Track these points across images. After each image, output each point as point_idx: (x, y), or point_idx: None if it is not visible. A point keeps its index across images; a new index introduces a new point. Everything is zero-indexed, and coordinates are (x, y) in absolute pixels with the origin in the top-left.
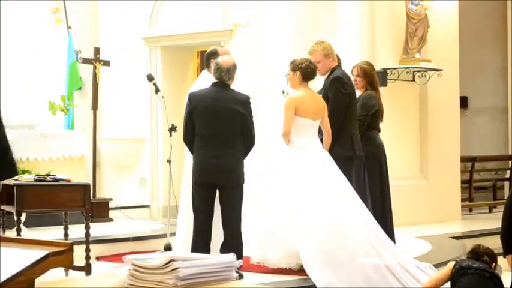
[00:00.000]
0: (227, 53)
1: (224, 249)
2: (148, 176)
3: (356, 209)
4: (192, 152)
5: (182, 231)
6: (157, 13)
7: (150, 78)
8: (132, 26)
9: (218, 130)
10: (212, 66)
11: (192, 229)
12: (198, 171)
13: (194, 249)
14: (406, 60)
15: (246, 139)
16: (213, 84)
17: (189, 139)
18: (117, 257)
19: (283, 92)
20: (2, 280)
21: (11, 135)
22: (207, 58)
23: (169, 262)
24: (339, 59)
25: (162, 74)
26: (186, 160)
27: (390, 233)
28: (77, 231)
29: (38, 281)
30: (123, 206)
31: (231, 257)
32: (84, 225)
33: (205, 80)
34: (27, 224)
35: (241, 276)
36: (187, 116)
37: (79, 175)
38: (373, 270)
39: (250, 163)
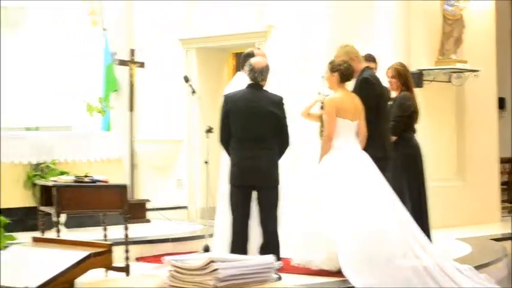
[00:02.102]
0: (263, 55)
1: (262, 250)
2: (185, 177)
3: (394, 210)
4: (228, 153)
5: (220, 232)
6: (192, 14)
7: (187, 79)
8: (167, 27)
9: (253, 131)
10: (245, 68)
11: (229, 230)
12: (235, 173)
13: (232, 250)
14: (442, 62)
15: (280, 140)
16: (248, 86)
17: (225, 140)
18: (156, 258)
19: (319, 94)
20: (44, 281)
21: (49, 137)
22: (243, 60)
23: (208, 263)
24: (375, 60)
25: (198, 75)
26: (223, 161)
27: (427, 234)
28: (115, 232)
29: (78, 281)
30: (160, 207)
31: (270, 258)
32: (122, 226)
33: (241, 82)
34: (67, 225)
35: (279, 278)
36: (222, 117)
37: (116, 176)
38: (411, 271)
39: (287, 164)
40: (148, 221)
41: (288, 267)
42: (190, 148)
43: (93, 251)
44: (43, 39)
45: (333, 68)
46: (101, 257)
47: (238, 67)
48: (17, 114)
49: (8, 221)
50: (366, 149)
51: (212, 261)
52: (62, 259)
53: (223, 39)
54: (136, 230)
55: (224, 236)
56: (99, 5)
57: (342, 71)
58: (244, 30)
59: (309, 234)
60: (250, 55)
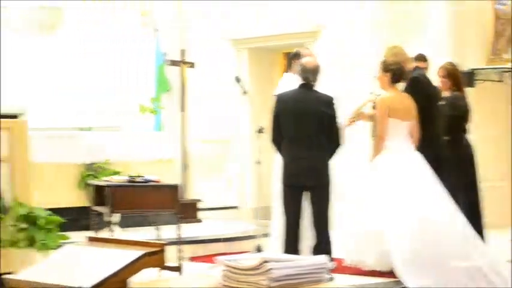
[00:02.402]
0: (311, 54)
1: (315, 250)
2: (236, 177)
3: (447, 210)
4: (280, 153)
5: (277, 232)
6: (243, 15)
7: (238, 79)
8: (218, 27)
9: (304, 131)
10: (296, 68)
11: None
12: (286, 173)
13: (284, 250)
14: (493, 61)
15: (332, 140)
16: (299, 86)
17: (277, 141)
18: (208, 258)
19: (371, 94)
20: (98, 280)
21: (102, 137)
22: (289, 60)
23: (262, 263)
24: (426, 60)
25: (249, 75)
26: (276, 161)
27: (481, 235)
28: (167, 231)
29: (131, 281)
30: (211, 207)
31: (323, 258)
32: (174, 225)
33: (289, 82)
34: (120, 225)
35: (331, 278)
36: (274, 118)
37: (168, 176)
38: (465, 272)
39: (340, 164)
40: (199, 220)
41: (340, 268)
42: (240, 148)
43: (147, 251)
44: (96, 40)
45: (385, 67)
46: (154, 257)
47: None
48: (71, 114)
49: (62, 221)
50: (419, 149)
51: (265, 261)
52: (116, 259)
53: (273, 39)
54: (188, 230)
55: (280, 236)
56: (151, 6)
57: (394, 71)
58: (294, 30)
59: (359, 235)
60: (297, 55)
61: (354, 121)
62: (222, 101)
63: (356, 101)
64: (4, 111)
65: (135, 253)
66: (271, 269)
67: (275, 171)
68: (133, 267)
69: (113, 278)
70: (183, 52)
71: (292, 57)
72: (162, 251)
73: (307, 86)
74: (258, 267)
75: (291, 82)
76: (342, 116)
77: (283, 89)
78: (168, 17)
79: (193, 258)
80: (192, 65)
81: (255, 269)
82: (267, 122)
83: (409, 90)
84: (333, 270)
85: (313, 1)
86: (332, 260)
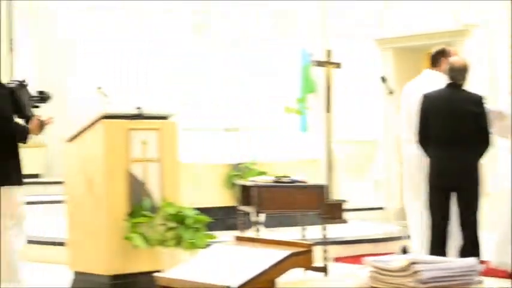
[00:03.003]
0: (456, 53)
1: (463, 252)
2: (382, 177)
3: None
4: (426, 153)
5: (416, 233)
6: (387, 14)
7: (384, 79)
8: (362, 27)
9: (453, 131)
10: (443, 67)
11: (425, 231)
12: (434, 174)
13: (431, 251)
14: None
15: (481, 139)
16: (447, 85)
17: (423, 140)
18: (353, 259)
19: None
20: (246, 279)
21: (248, 138)
22: (433, 57)
23: (410, 265)
24: None
25: (394, 75)
26: (411, 160)
27: None
28: (312, 232)
29: (278, 280)
30: (356, 207)
31: (473, 261)
32: (319, 226)
33: (426, 79)
34: (266, 224)
35: (480, 281)
36: (421, 117)
37: (313, 177)
38: None
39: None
40: (345, 221)
41: (488, 270)
42: (386, 148)
43: (294, 251)
44: (242, 41)
45: None
46: (301, 257)
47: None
48: (217, 115)
49: (209, 220)
50: None
51: (414, 263)
52: (264, 258)
53: (419, 38)
54: (334, 231)
55: (419, 236)
56: (296, 7)
57: None
58: (441, 29)
59: (506, 234)
60: (443, 53)
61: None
62: (367, 102)
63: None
64: (154, 112)
65: (282, 253)
66: (420, 270)
67: (407, 169)
68: (281, 267)
69: (261, 278)
70: (328, 52)
71: (437, 55)
72: (309, 252)
73: (455, 85)
74: (406, 268)
75: (429, 79)
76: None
77: (421, 85)
78: (312, 17)
79: (337, 259)
80: (338, 65)
81: (403, 270)
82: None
83: None
84: (482, 273)
85: (459, 0)
86: (481, 262)
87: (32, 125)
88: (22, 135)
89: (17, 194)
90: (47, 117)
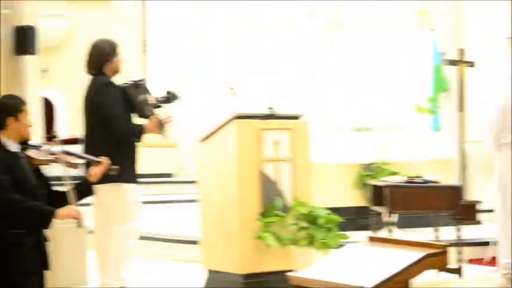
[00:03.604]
0: None
1: None
2: None
3: None
4: None
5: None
6: None
7: None
8: (497, 26)
9: None
10: None
11: None
12: None
13: None
14: None
15: None
16: None
17: None
18: (489, 261)
19: None
20: (381, 279)
21: (380, 137)
22: None
23: None
24: None
25: None
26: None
27: None
28: (445, 233)
29: (412, 281)
30: (490, 209)
31: None
32: (452, 227)
33: None
34: (398, 225)
35: None
36: None
37: (445, 177)
38: None
39: None
40: (479, 222)
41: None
42: None
43: (429, 252)
44: (372, 41)
45: None
46: (436, 258)
47: None
48: (349, 115)
49: (341, 220)
50: None
51: None
52: (398, 259)
53: None
54: (468, 232)
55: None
56: (428, 5)
57: None
58: None
59: None
60: None
61: None
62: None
63: None
64: (286, 112)
65: (417, 254)
66: None
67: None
68: (416, 268)
69: (395, 278)
70: (461, 51)
71: None
72: (444, 253)
73: None
74: None
75: None
76: None
77: None
78: (445, 16)
79: (472, 261)
80: (471, 64)
81: None
82: None
83: None
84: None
85: None
86: None
87: (150, 124)
88: (135, 133)
89: (128, 191)
90: (166, 117)
